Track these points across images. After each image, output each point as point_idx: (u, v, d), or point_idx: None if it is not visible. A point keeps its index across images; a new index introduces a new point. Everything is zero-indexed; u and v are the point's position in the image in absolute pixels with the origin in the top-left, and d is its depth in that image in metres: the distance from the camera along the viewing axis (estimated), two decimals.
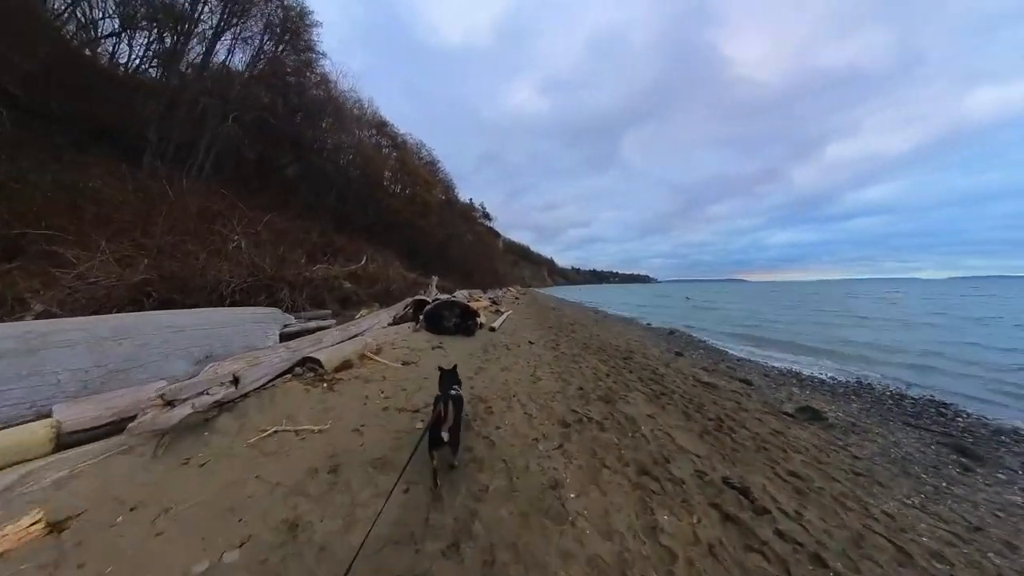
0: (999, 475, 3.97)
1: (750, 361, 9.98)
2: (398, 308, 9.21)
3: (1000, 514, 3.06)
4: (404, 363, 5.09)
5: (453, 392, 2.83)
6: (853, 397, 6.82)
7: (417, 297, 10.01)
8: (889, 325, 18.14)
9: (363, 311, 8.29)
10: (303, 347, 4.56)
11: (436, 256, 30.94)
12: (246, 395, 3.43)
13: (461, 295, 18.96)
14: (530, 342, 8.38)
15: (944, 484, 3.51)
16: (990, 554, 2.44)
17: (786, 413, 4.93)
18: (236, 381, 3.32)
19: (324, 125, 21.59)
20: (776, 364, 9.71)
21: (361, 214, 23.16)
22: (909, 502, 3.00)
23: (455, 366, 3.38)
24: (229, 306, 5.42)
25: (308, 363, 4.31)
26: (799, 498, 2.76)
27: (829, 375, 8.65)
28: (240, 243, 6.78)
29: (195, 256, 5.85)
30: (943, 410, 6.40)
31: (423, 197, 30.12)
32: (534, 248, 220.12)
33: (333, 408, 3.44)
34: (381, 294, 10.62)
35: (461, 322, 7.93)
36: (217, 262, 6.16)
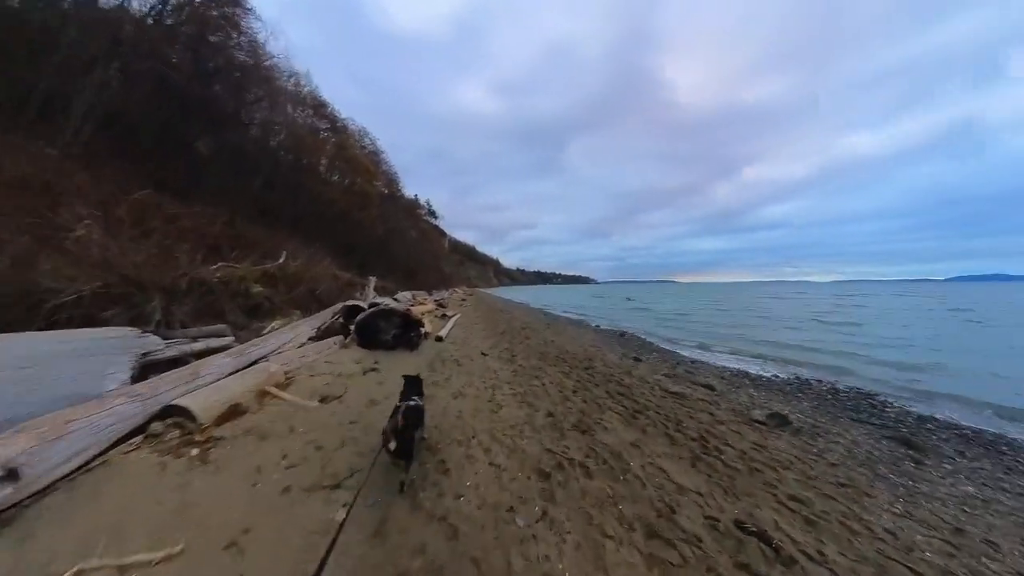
0: (945, 465, 4.45)
1: (702, 363, 10.25)
2: (325, 317, 7.69)
3: (966, 509, 3.36)
4: (323, 399, 3.83)
5: (412, 402, 2.74)
6: (800, 395, 7.31)
7: (350, 302, 8.53)
8: (805, 324, 20.05)
9: (276, 322, 6.70)
10: (165, 389, 3.13)
11: (376, 254, 28.59)
12: (44, 490, 2.07)
13: (404, 297, 17.36)
14: (483, 353, 7.39)
15: (911, 483, 3.75)
16: (983, 559, 2.58)
17: (758, 421, 4.92)
18: (13, 475, 1.96)
19: (250, 97, 18.59)
20: (725, 364, 10.28)
21: (290, 203, 20.42)
22: (896, 510, 3.09)
23: (419, 375, 3.19)
24: (55, 327, 3.72)
25: (172, 415, 2.94)
26: (812, 531, 2.57)
27: (772, 373, 9.30)
28: (90, 231, 4.90)
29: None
30: (872, 401, 7.19)
31: (363, 188, 27.46)
32: (480, 248, 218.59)
33: (197, 502, 2.17)
34: (304, 299, 8.92)
35: (402, 333, 6.70)
36: (48, 258, 4.34)
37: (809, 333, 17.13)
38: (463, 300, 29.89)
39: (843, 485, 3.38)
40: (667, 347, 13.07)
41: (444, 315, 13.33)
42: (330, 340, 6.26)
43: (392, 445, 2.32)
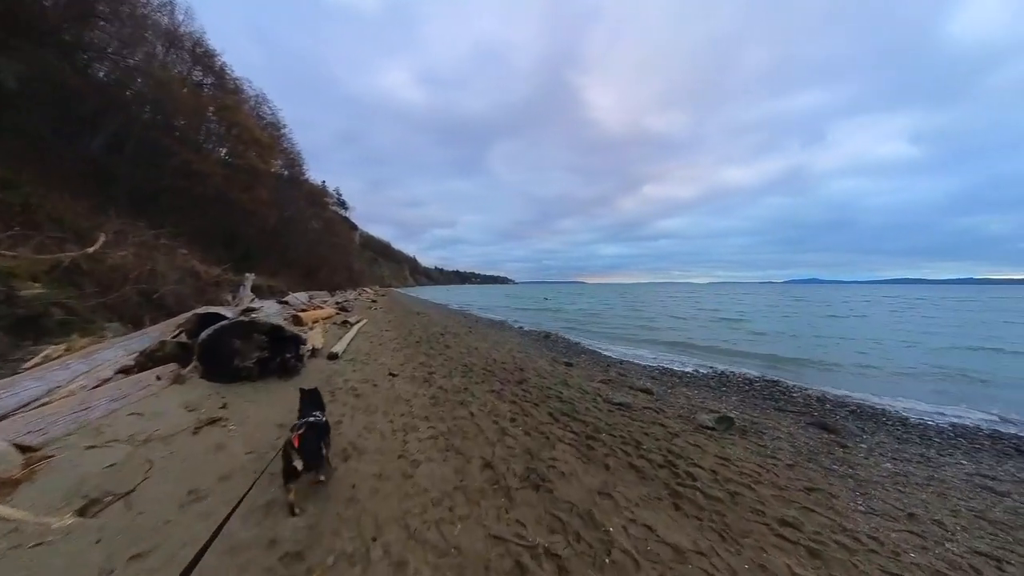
0: (861, 445, 4.97)
1: (628, 363, 10.37)
2: (158, 332, 5.46)
3: (900, 488, 3.68)
4: (88, 506, 2.15)
5: (313, 418, 2.60)
6: (724, 389, 7.73)
7: (205, 309, 6.29)
8: (701, 319, 22.24)
9: (58, 347, 4.37)
10: None
11: (267, 246, 24.24)
12: None
13: (298, 300, 14.57)
14: (392, 374, 5.95)
15: (850, 470, 4.00)
16: (946, 544, 2.73)
17: (707, 427, 4.79)
18: None
19: (86, 9, 13.68)
20: (648, 362, 10.63)
21: (143, 172, 15.85)
22: (861, 508, 3.15)
23: (315, 388, 3.16)
24: None
25: None
26: (821, 565, 2.33)
27: (692, 368, 9.94)
28: None
29: None
30: (779, 388, 8.04)
31: (253, 164, 22.67)
32: (396, 245, 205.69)
33: None
34: (132, 306, 6.36)
35: (272, 356, 4.92)
36: None
37: (707, 328, 19.34)
38: (373, 302, 27.07)
39: (810, 490, 3.35)
40: (591, 347, 13.20)
41: (346, 322, 11.28)
42: (155, 372, 4.24)
43: (298, 463, 2.22)
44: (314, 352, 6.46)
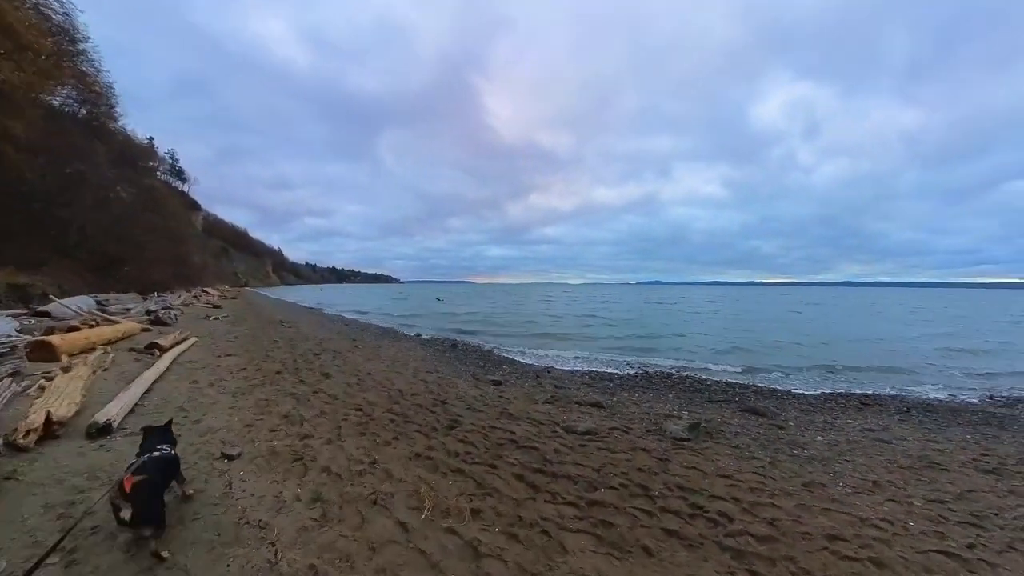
0: (790, 423, 5.65)
1: (554, 369, 9.81)
2: None
3: (848, 460, 4.23)
4: None
5: (159, 452, 2.27)
6: (657, 388, 7.91)
7: None
8: (591, 319, 23.14)
9: None
10: None
11: (23, 218, 16.16)
12: None
13: (66, 309, 9.39)
14: (226, 456, 3.33)
15: (805, 453, 4.42)
16: (933, 515, 3.06)
17: (684, 438, 4.57)
18: None
19: None
20: (571, 367, 10.29)
21: None
22: (847, 490, 3.45)
23: (170, 421, 2.72)
24: None
25: None
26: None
27: (612, 370, 9.95)
28: None
29: None
30: (695, 380, 8.86)
31: (4, 75, 13.99)
32: (256, 234, 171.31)
33: None
34: None
35: None
36: None
37: (602, 327, 20.47)
38: (215, 308, 20.81)
39: (805, 487, 3.47)
40: (505, 354, 12.04)
41: (155, 347, 7.35)
42: None
43: (125, 513, 1.86)
44: (50, 428, 3.32)
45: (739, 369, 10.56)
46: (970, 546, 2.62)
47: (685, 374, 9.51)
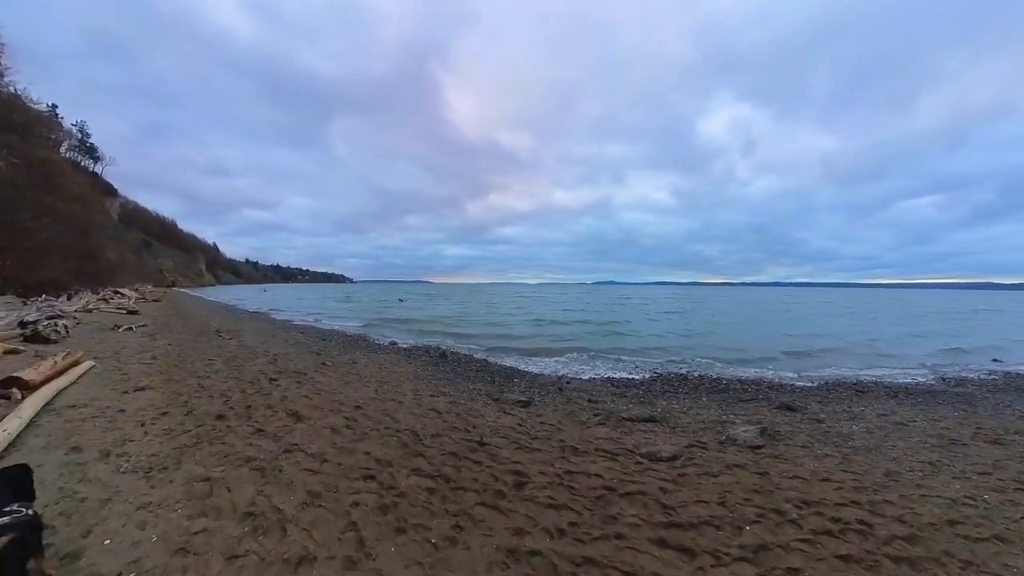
0: (822, 416, 5.89)
1: (575, 379, 8.89)
2: None
3: (890, 444, 4.65)
4: None
5: (11, 516, 1.73)
6: (688, 392, 7.68)
7: None
8: (571, 320, 22.07)
9: None
10: None
11: None
12: None
13: None
14: None
15: (855, 443, 4.67)
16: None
17: (759, 446, 4.44)
18: None
19: None
20: (586, 374, 9.48)
21: None
22: (917, 476, 3.75)
23: (25, 467, 2.14)
24: None
25: None
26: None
27: (626, 374, 9.44)
28: None
29: None
30: (712, 379, 8.86)
31: None
32: (187, 226, 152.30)
33: None
34: None
35: None
36: None
37: (581, 326, 19.97)
38: (129, 314, 17.08)
39: (889, 477, 3.66)
40: (507, 363, 10.63)
41: (12, 384, 4.80)
42: None
43: None
44: None
45: (734, 365, 10.93)
46: None
47: (697, 374, 9.45)
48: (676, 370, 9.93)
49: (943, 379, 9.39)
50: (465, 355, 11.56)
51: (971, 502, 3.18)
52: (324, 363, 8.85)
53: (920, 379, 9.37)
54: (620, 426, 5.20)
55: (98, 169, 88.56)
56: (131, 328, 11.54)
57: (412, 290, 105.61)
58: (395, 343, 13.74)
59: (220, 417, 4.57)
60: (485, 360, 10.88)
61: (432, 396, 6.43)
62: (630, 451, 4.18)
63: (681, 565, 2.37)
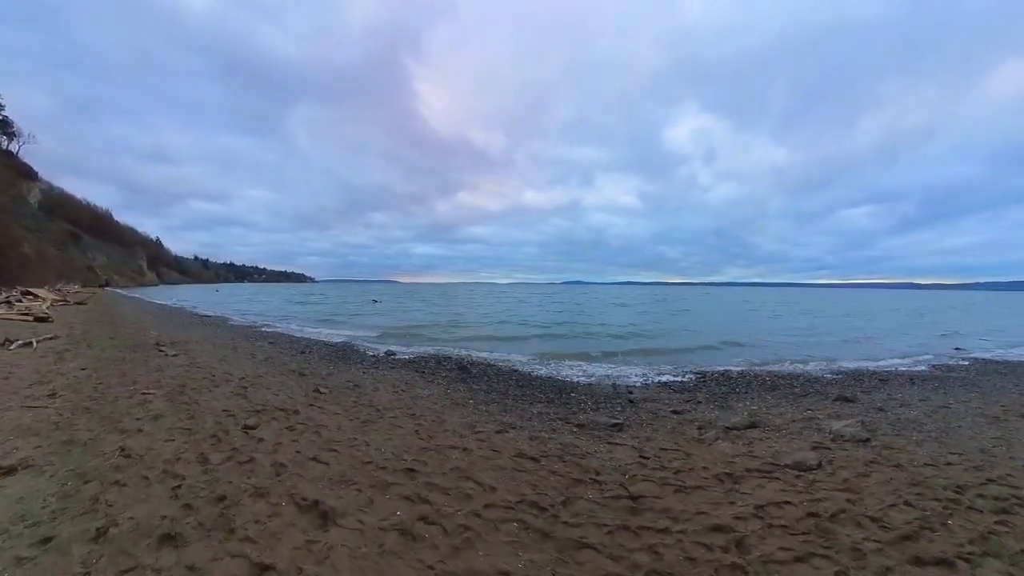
0: (878, 405, 6.04)
1: (631, 385, 7.94)
2: None
3: (943, 426, 4.87)
4: None
5: None
6: (747, 390, 7.24)
7: None
8: (558, 321, 20.49)
9: None
10: None
11: None
12: None
13: None
14: None
15: (929, 428, 4.79)
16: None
17: (866, 439, 4.33)
18: None
19: None
20: (623, 379, 8.33)
21: None
22: (999, 450, 3.97)
23: None
24: None
25: None
26: None
27: (670, 377, 8.67)
28: None
29: None
30: (755, 375, 8.56)
31: None
32: (124, 217, 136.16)
33: None
34: None
35: None
36: None
37: (581, 327, 19.07)
38: (39, 320, 13.45)
39: (984, 453, 3.89)
40: (539, 371, 9.05)
41: None
42: None
43: None
44: None
45: (759, 362, 10.74)
46: None
47: (738, 370, 9.25)
48: (711, 369, 9.49)
49: (934, 366, 10.10)
50: (486, 364, 9.54)
51: None
52: (317, 389, 6.47)
53: (917, 368, 9.92)
54: (732, 437, 4.62)
55: (14, 148, 77.27)
56: (32, 343, 8.47)
57: (383, 291, 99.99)
58: (392, 353, 11.37)
59: (168, 539, 2.31)
60: (513, 370, 9.00)
61: (501, 432, 4.44)
62: (774, 464, 3.70)
63: None
